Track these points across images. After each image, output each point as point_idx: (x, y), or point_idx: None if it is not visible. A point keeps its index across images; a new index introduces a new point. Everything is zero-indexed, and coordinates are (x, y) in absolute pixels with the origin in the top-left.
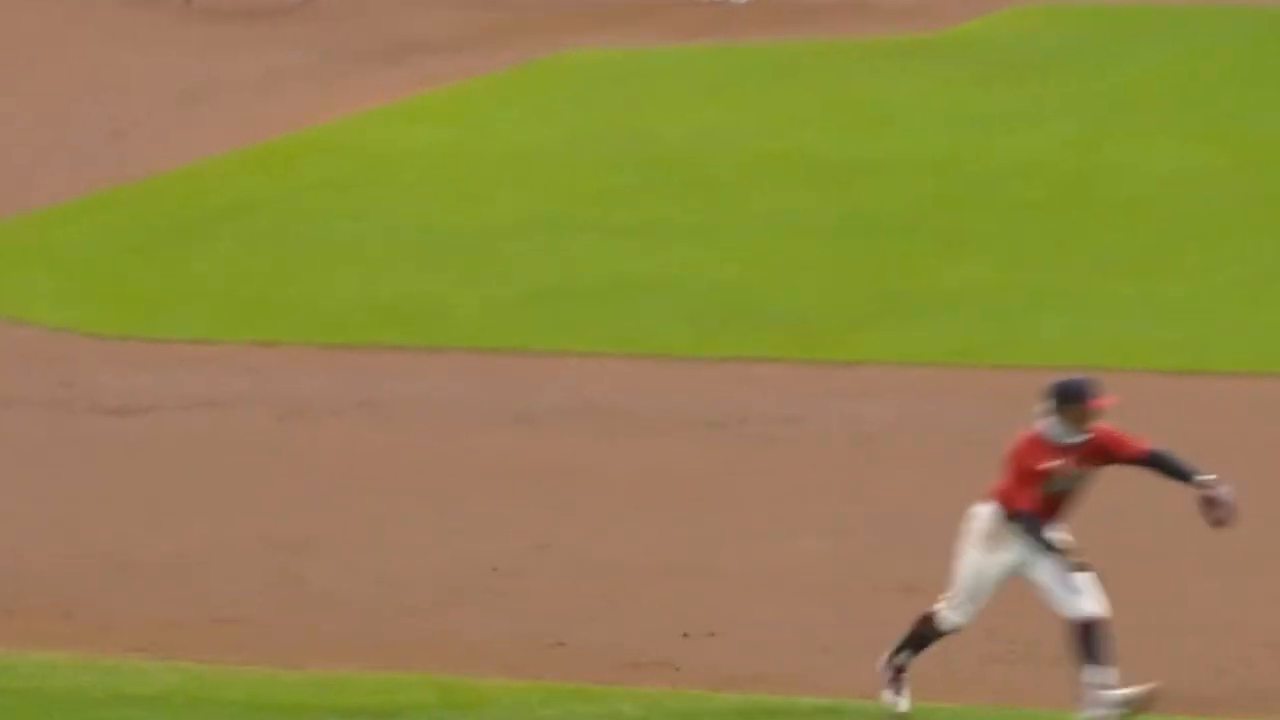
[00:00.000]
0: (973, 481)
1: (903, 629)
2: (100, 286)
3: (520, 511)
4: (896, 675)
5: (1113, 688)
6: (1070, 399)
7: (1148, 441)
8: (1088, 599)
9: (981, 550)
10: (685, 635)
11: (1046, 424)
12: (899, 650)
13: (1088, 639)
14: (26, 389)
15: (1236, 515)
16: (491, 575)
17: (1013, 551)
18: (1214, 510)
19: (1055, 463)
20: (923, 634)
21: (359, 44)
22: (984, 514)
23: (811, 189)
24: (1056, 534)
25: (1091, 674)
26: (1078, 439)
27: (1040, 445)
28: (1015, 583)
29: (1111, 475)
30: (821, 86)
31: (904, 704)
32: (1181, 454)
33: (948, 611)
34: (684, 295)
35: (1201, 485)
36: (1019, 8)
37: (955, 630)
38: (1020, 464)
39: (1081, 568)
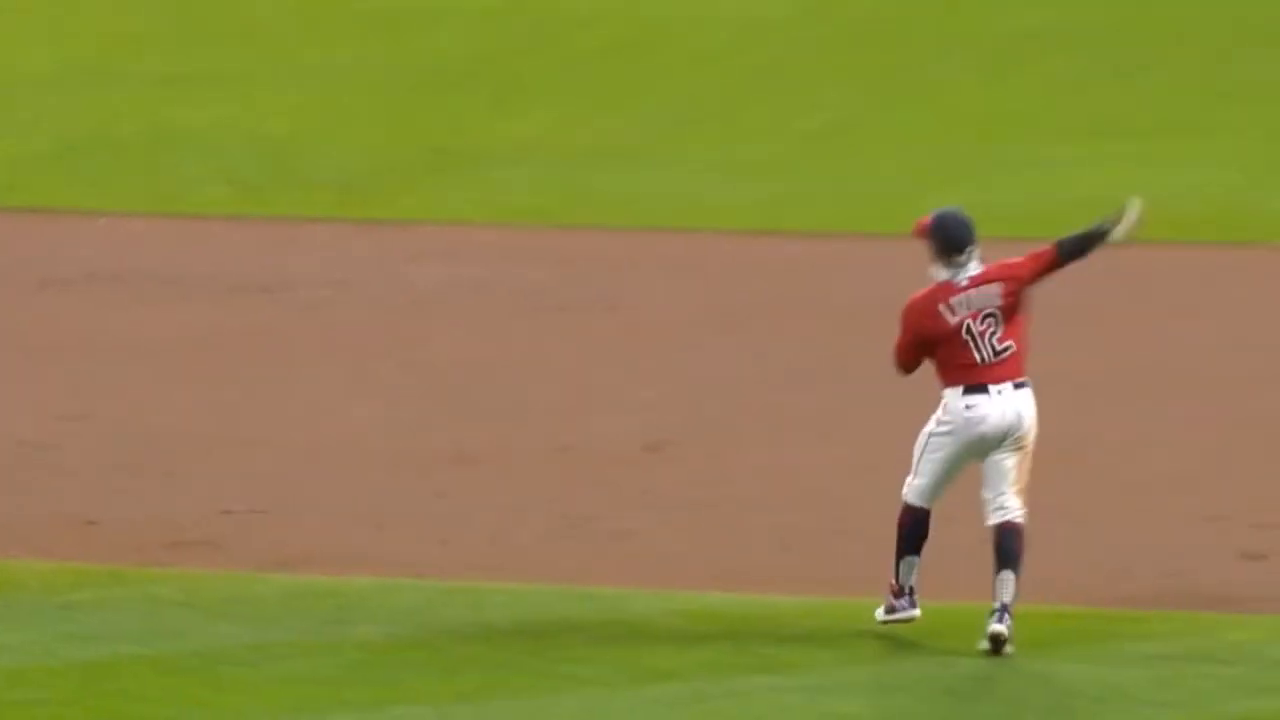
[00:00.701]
0: (527, 344)
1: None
2: None
3: (49, 382)
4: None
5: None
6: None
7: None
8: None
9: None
10: (228, 512)
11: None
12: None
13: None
14: None
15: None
16: (17, 449)
17: None
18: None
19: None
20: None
21: None
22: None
23: (358, 38)
24: None
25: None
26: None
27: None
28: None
29: None
30: None
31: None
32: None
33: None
34: (224, 151)
35: (1117, 224)
36: None
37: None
38: None
39: None
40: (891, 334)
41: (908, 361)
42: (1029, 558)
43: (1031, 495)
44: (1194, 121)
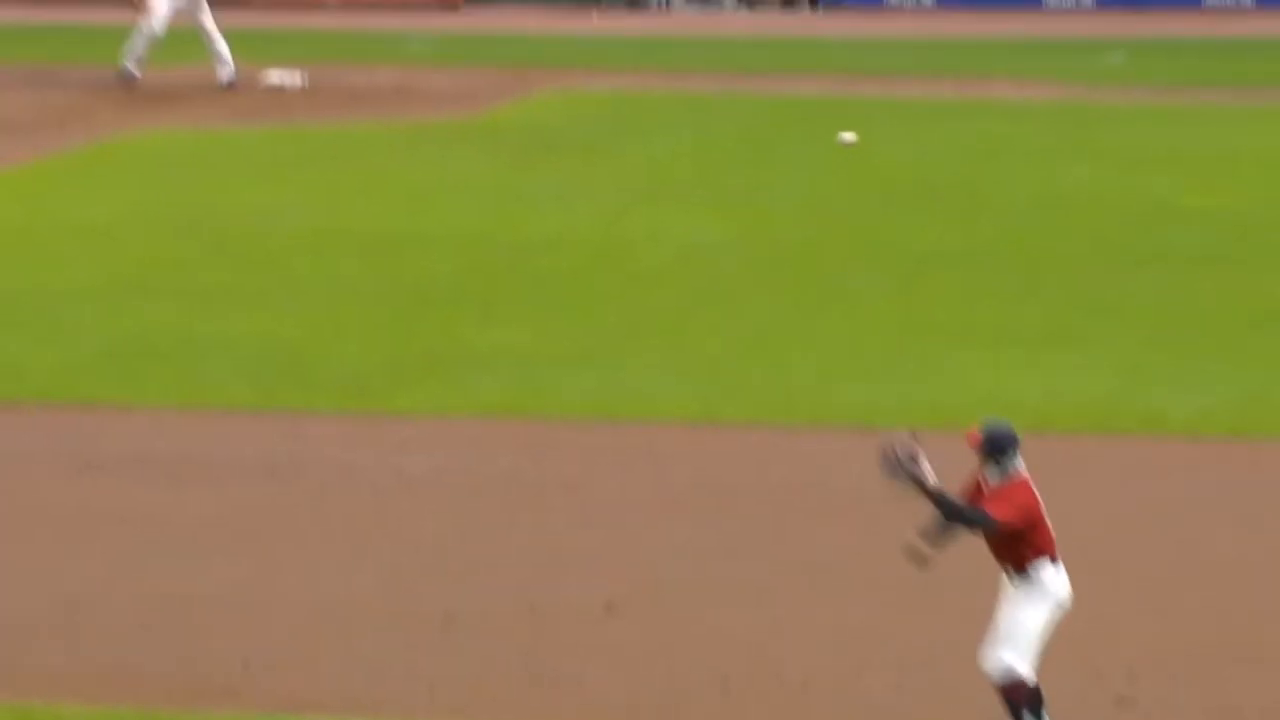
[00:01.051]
0: (503, 520)
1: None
2: None
3: (88, 552)
4: None
5: None
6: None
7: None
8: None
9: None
10: (246, 664)
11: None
12: None
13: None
14: None
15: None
16: (61, 608)
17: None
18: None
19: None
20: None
21: None
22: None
23: (360, 259)
24: None
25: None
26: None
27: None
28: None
29: None
30: (369, 167)
31: None
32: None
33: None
34: (245, 354)
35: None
36: (548, 94)
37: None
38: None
39: None
40: (815, 514)
41: (1013, 534)
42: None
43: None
44: (1076, 331)
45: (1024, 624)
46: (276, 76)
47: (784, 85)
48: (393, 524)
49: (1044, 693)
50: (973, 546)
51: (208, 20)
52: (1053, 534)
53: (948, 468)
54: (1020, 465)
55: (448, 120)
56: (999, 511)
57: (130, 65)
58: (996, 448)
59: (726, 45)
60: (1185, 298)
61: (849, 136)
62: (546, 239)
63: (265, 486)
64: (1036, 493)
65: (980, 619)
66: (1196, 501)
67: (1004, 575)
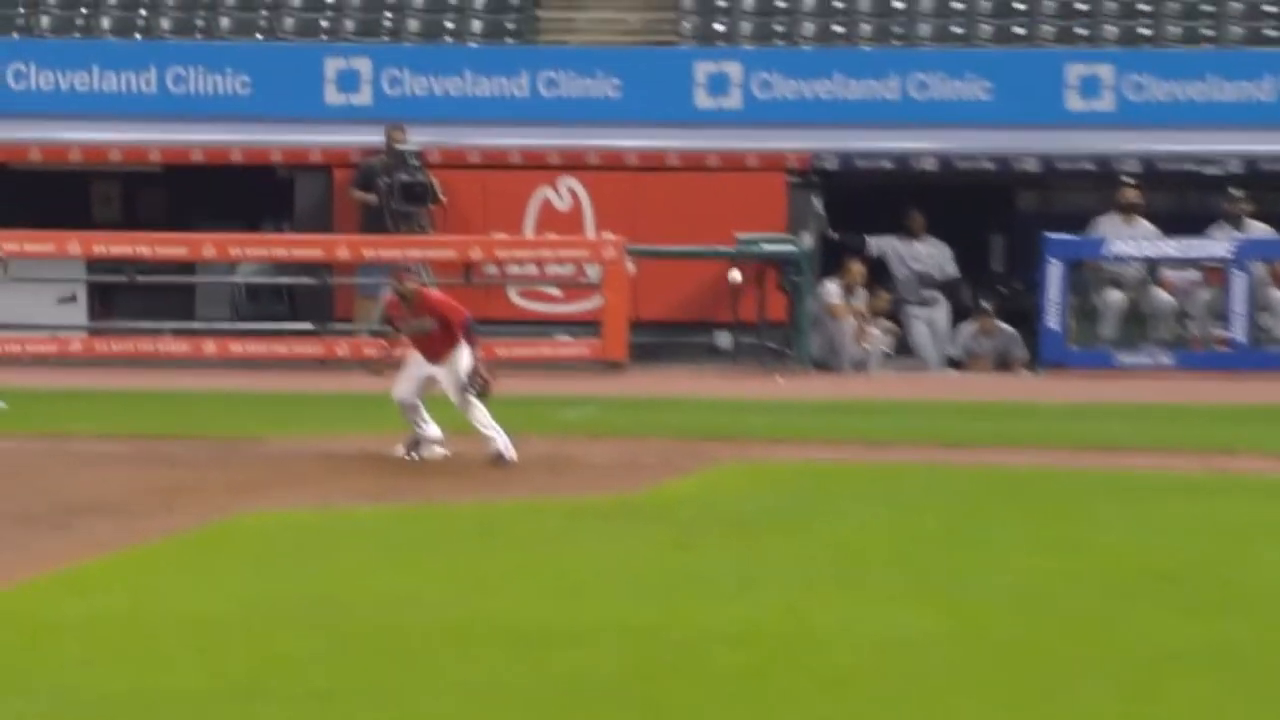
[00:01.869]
0: None
1: None
2: None
3: None
4: None
5: None
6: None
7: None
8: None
9: None
10: None
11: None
12: None
13: None
14: None
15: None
16: None
17: None
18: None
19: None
20: None
21: (20, 507)
22: None
23: (507, 655)
24: None
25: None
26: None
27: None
28: None
29: None
30: (518, 549)
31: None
32: None
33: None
34: None
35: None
36: (724, 467)
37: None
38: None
39: None
40: None
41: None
42: None
43: None
44: None
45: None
46: (422, 444)
47: (995, 457)
48: None
49: None
50: None
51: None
52: None
53: None
54: None
55: (608, 496)
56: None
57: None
58: None
59: (930, 411)
60: None
61: (736, 275)
62: (721, 633)
63: None
64: None
65: None
66: None
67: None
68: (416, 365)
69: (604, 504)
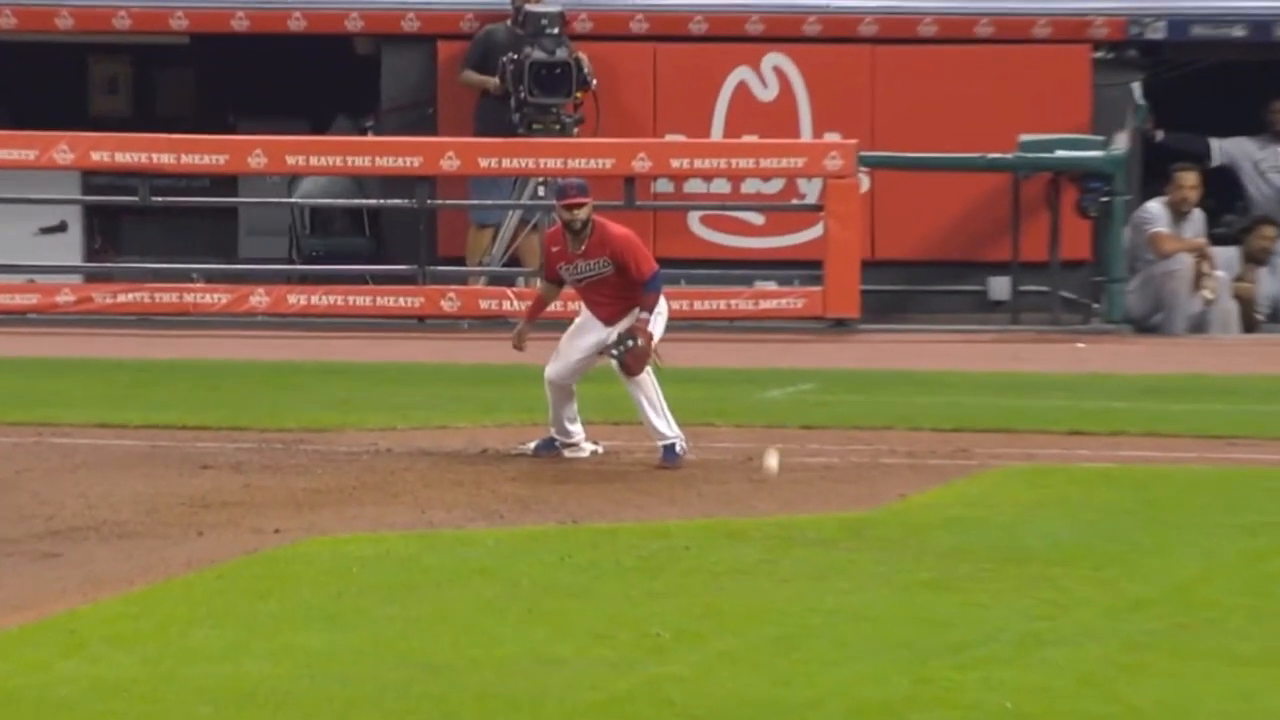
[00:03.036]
0: None
1: None
2: None
3: None
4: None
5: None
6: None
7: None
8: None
9: None
10: None
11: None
12: None
13: None
14: None
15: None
16: None
17: None
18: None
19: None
20: None
21: None
22: None
23: None
24: None
25: None
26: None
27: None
28: None
29: None
30: (697, 591)
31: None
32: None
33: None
34: None
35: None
36: (996, 471)
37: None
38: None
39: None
40: None
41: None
42: None
43: None
44: None
45: None
46: None
47: None
48: None
49: None
50: None
51: None
52: None
53: None
54: None
55: (830, 515)
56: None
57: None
58: None
59: None
60: None
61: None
62: (996, 712)
63: None
64: None
65: None
66: None
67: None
68: (584, 331)
69: (824, 526)
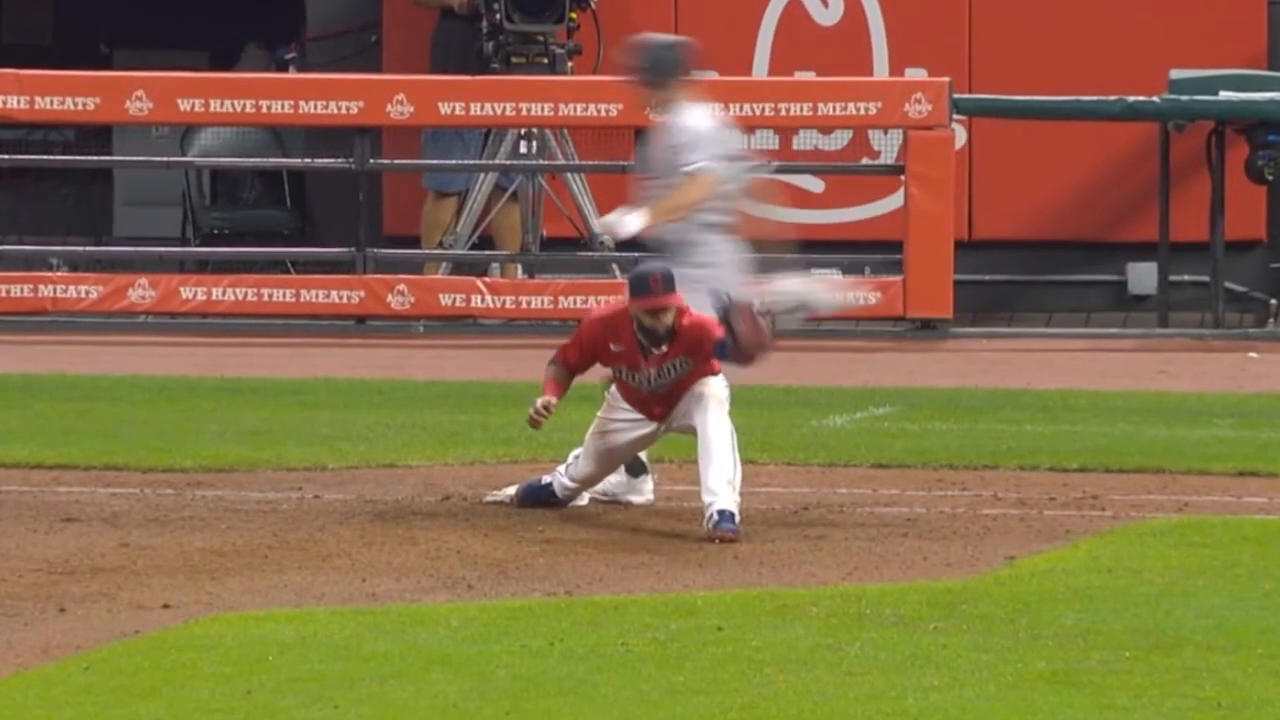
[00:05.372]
0: None
1: None
2: None
3: None
4: None
5: None
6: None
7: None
8: None
9: None
10: None
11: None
12: None
13: None
14: None
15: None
16: None
17: None
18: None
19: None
20: None
21: None
22: None
23: None
24: None
25: None
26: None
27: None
28: None
29: None
30: (732, 688)
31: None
32: None
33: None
34: None
35: None
36: (1137, 525)
37: None
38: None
39: None
40: None
41: None
42: None
43: None
44: None
45: None
46: None
47: None
48: None
49: None
50: None
51: None
52: None
53: None
54: None
55: (918, 584)
56: None
57: None
58: None
59: None
60: None
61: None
62: None
63: None
64: None
65: None
66: None
67: None
68: (630, 430)
69: (905, 599)
